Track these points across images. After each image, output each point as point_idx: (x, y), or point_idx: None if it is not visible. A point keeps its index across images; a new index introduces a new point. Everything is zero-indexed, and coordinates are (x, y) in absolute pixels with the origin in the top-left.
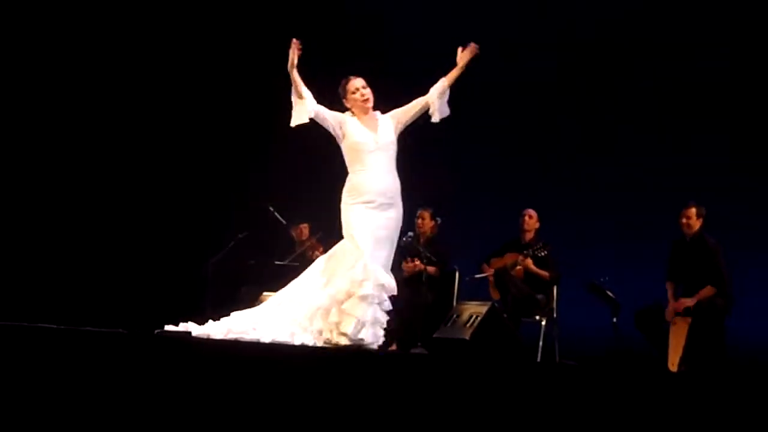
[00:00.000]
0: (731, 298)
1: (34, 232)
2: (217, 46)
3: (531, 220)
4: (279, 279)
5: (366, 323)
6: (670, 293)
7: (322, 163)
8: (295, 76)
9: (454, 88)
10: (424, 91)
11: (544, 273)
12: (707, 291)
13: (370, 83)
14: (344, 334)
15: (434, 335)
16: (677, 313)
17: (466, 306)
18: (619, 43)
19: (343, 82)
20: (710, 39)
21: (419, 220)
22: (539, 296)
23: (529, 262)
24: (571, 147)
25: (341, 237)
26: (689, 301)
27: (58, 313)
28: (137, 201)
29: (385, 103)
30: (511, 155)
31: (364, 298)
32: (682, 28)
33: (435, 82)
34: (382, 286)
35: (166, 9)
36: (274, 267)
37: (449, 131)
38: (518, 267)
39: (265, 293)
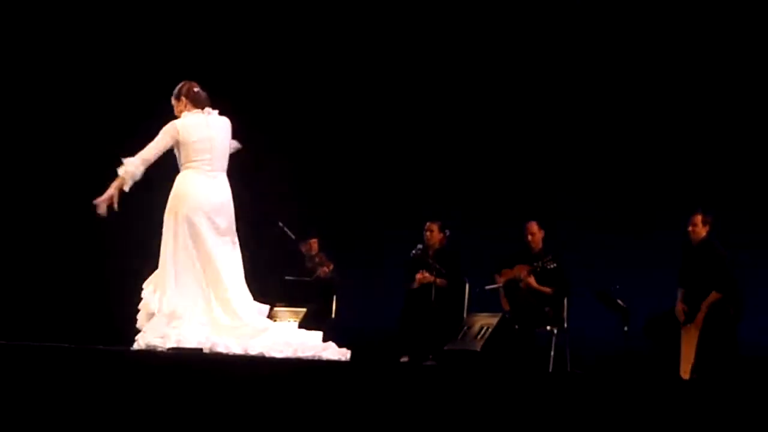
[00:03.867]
0: (741, 304)
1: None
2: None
3: (533, 235)
4: (289, 294)
5: None
6: (679, 297)
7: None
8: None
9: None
10: None
11: (546, 289)
12: (713, 297)
13: None
14: None
15: (445, 347)
16: (687, 321)
17: (476, 317)
18: (625, 48)
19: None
20: (714, 45)
21: (428, 233)
22: (547, 309)
23: (532, 280)
24: (579, 154)
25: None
26: (699, 316)
27: (71, 331)
28: (148, 218)
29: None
30: (518, 163)
31: None
32: (692, 34)
33: None
34: None
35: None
36: (284, 282)
37: (456, 140)
38: (522, 283)
39: (276, 308)
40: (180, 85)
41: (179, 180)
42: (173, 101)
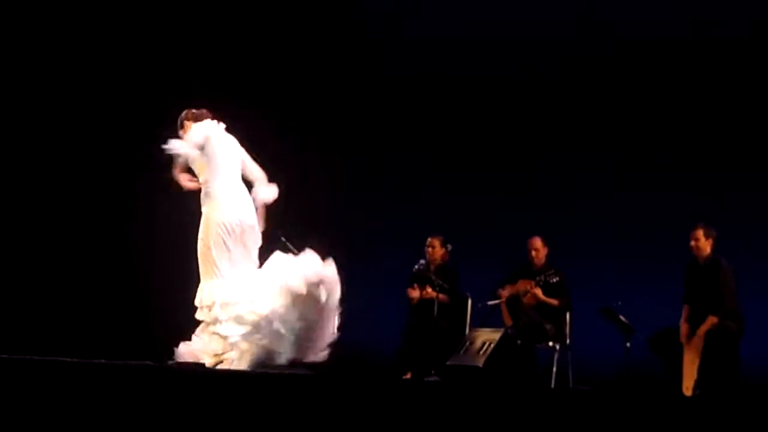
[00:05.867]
0: (742, 321)
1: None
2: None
3: (537, 251)
4: None
5: None
6: (684, 316)
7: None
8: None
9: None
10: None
11: (554, 301)
12: (711, 321)
13: None
14: None
15: (448, 362)
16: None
17: (479, 333)
18: (623, 59)
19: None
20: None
21: (429, 248)
22: (548, 326)
23: (539, 291)
24: (581, 169)
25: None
26: (699, 334)
27: (70, 345)
28: (150, 227)
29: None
30: (521, 179)
31: None
32: (692, 43)
33: None
34: None
35: None
36: None
37: (459, 155)
38: (528, 295)
39: None
40: (181, 116)
41: (225, 193)
42: (180, 132)
